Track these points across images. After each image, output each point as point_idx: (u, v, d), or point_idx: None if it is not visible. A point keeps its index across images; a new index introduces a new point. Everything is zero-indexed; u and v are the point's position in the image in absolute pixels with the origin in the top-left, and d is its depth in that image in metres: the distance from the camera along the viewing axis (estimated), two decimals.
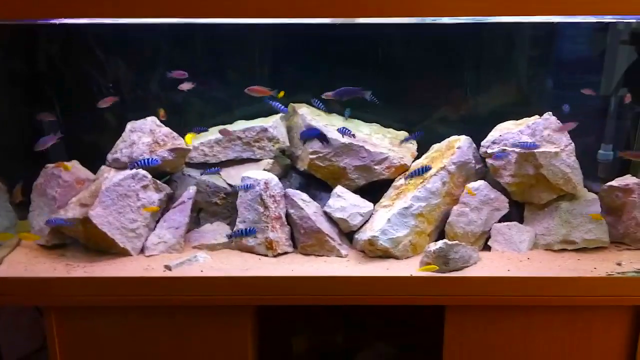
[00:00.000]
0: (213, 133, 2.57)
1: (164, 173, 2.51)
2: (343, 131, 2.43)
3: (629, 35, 2.62)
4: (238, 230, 2.35)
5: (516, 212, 2.46)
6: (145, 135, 2.41)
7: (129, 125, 2.47)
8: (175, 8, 1.97)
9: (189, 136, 2.49)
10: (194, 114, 2.70)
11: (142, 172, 2.36)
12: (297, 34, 2.52)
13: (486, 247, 2.41)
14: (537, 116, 2.40)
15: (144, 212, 2.34)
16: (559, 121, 2.36)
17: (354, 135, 2.44)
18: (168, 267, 2.24)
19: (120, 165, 2.40)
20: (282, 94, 2.48)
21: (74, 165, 2.48)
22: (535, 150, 2.30)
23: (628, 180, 2.41)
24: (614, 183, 2.42)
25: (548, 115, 2.37)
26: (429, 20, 2.08)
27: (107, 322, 2.22)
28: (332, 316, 2.72)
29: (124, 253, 2.33)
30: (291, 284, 2.18)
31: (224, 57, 2.68)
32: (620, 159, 2.57)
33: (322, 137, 2.40)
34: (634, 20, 2.53)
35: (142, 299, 2.17)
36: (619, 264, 2.25)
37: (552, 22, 2.56)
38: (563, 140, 2.34)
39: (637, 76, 2.62)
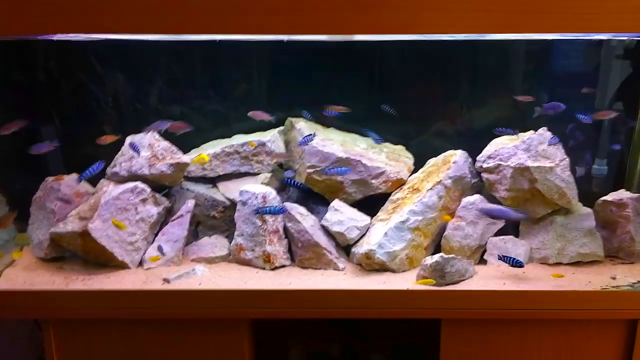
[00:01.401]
0: (211, 147, 2.59)
1: (163, 187, 2.52)
2: (306, 141, 2.44)
3: (623, 50, 2.65)
4: (265, 208, 2.35)
5: (512, 226, 2.48)
6: (145, 149, 2.43)
7: (129, 139, 2.49)
8: (174, 24, 1.99)
9: (202, 155, 2.51)
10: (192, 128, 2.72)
11: (140, 185, 2.38)
12: (294, 48, 2.55)
13: (482, 261, 2.43)
14: (532, 131, 2.43)
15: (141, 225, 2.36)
16: (555, 137, 2.38)
17: (312, 138, 2.44)
18: (166, 280, 2.25)
19: (119, 179, 2.42)
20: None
21: (73, 178, 2.49)
22: (530, 165, 2.33)
23: (622, 194, 2.43)
24: (608, 198, 2.44)
25: (543, 130, 2.40)
26: (426, 37, 2.10)
27: (106, 334, 2.23)
28: (329, 328, 2.72)
29: (122, 266, 2.35)
30: (289, 297, 2.20)
31: (223, 72, 2.70)
32: (614, 174, 2.60)
33: None
34: (627, 38, 2.56)
35: (141, 312, 2.18)
36: (613, 278, 2.27)
37: (547, 39, 2.59)
38: (558, 155, 2.37)
39: (631, 91, 2.65)
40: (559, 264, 2.38)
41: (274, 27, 1.99)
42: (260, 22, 1.97)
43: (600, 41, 2.64)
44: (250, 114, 2.54)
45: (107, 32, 2.04)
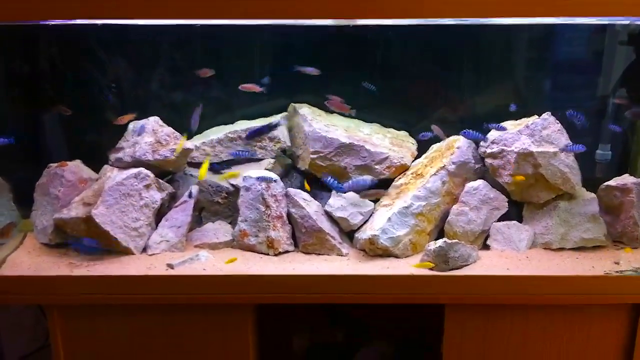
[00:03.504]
0: (215, 132, 2.59)
1: (167, 172, 2.52)
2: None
3: (627, 36, 2.64)
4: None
5: (515, 212, 2.48)
6: (148, 134, 2.42)
7: (132, 125, 2.49)
8: (178, 9, 1.99)
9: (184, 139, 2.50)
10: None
11: (144, 171, 2.38)
12: (297, 34, 2.54)
13: (485, 246, 2.43)
14: (535, 116, 2.42)
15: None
16: (557, 121, 2.38)
17: None
18: (170, 266, 2.25)
19: (123, 165, 2.42)
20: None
21: (77, 164, 2.49)
22: (534, 150, 2.32)
23: (626, 179, 2.42)
24: (612, 183, 2.44)
25: (547, 115, 2.39)
26: (428, 21, 2.09)
27: (110, 320, 2.23)
28: (332, 314, 2.73)
29: (126, 252, 2.35)
30: (292, 282, 2.20)
31: (226, 57, 2.70)
32: (618, 159, 2.59)
33: None
34: (629, 22, 2.54)
35: (145, 298, 2.18)
36: (617, 263, 2.27)
37: (551, 24, 2.58)
38: (562, 140, 2.36)
39: (635, 76, 2.64)
40: (562, 249, 2.38)
41: (275, 12, 1.98)
42: (261, 7, 1.96)
43: (605, 26, 2.63)
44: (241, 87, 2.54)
45: (109, 18, 2.04)
